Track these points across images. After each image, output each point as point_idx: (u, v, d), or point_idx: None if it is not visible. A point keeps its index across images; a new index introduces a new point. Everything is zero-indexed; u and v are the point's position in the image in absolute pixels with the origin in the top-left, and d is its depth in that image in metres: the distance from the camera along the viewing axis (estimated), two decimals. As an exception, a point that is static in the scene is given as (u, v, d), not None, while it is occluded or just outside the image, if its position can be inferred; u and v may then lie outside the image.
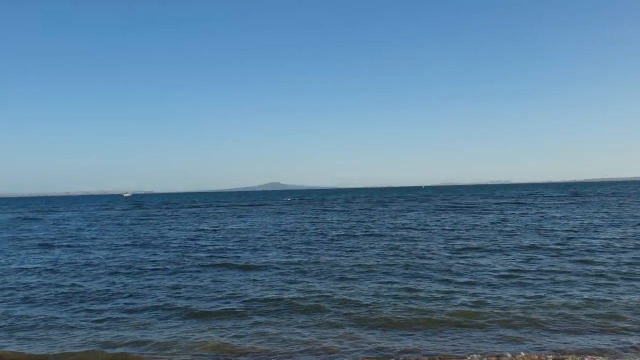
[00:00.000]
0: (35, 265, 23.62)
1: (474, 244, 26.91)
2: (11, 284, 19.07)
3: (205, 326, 12.85)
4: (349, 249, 26.01)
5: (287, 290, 16.55)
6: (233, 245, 29.25)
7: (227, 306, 14.63)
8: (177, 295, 16.34)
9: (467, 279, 17.61)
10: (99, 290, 17.38)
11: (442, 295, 15.32)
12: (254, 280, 18.41)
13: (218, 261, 23.01)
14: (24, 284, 19.09)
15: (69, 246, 31.64)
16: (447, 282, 17.29)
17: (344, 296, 15.35)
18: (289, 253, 25.22)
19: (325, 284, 17.30)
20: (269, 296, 15.59)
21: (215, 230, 40.68)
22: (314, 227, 40.80)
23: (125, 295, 16.56)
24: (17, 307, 15.52)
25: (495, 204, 74.44)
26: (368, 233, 34.43)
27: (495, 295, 15.10)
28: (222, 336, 12.01)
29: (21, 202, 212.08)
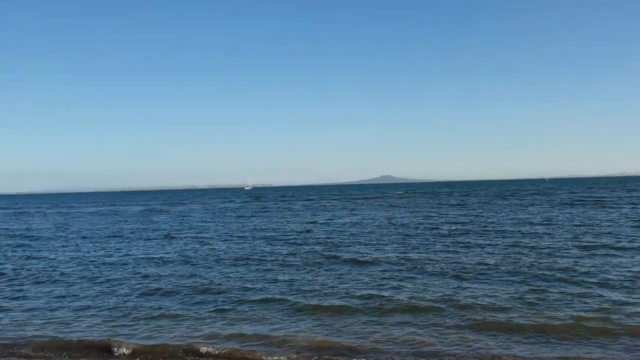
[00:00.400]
0: (158, 256, 25.00)
1: (605, 241, 24.71)
2: (132, 274, 20.17)
3: (315, 321, 12.73)
4: (466, 246, 24.95)
5: (401, 288, 16.07)
6: (346, 239, 29.22)
7: (338, 302, 14.41)
8: (289, 288, 16.39)
9: (597, 280, 16.09)
10: (213, 282, 17.89)
11: (570, 298, 14.07)
12: (367, 276, 18.13)
13: (331, 254, 22.99)
14: (144, 273, 20.12)
15: (191, 238, 33.25)
16: (576, 283, 15.89)
17: (462, 297, 14.58)
18: (403, 248, 24.68)
19: (441, 283, 16.62)
20: (382, 294, 15.19)
21: (328, 224, 41.04)
22: (428, 222, 39.81)
23: (238, 287, 16.84)
24: (133, 296, 16.31)
25: (628, 197, 68.47)
26: (487, 228, 32.89)
27: (630, 300, 13.68)
28: (331, 332, 11.81)
29: (151, 195, 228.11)
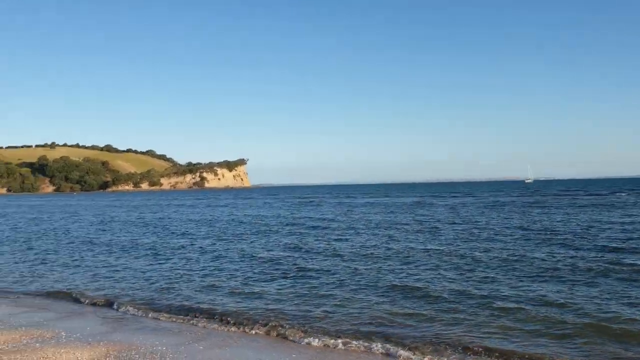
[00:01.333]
0: (424, 248, 24.91)
1: None
2: (406, 273, 19.54)
3: (557, 344, 11.11)
4: None
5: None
6: (634, 243, 24.85)
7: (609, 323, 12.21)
8: (561, 301, 14.34)
9: None
10: (456, 286, 16.66)
11: None
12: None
13: (613, 260, 19.88)
14: (412, 270, 19.79)
15: (459, 232, 32.36)
16: None
17: None
18: None
19: None
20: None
21: (617, 224, 35.43)
22: None
23: (505, 294, 15.39)
24: (402, 292, 16.06)
25: None
26: None
27: None
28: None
29: (424, 187, 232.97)
